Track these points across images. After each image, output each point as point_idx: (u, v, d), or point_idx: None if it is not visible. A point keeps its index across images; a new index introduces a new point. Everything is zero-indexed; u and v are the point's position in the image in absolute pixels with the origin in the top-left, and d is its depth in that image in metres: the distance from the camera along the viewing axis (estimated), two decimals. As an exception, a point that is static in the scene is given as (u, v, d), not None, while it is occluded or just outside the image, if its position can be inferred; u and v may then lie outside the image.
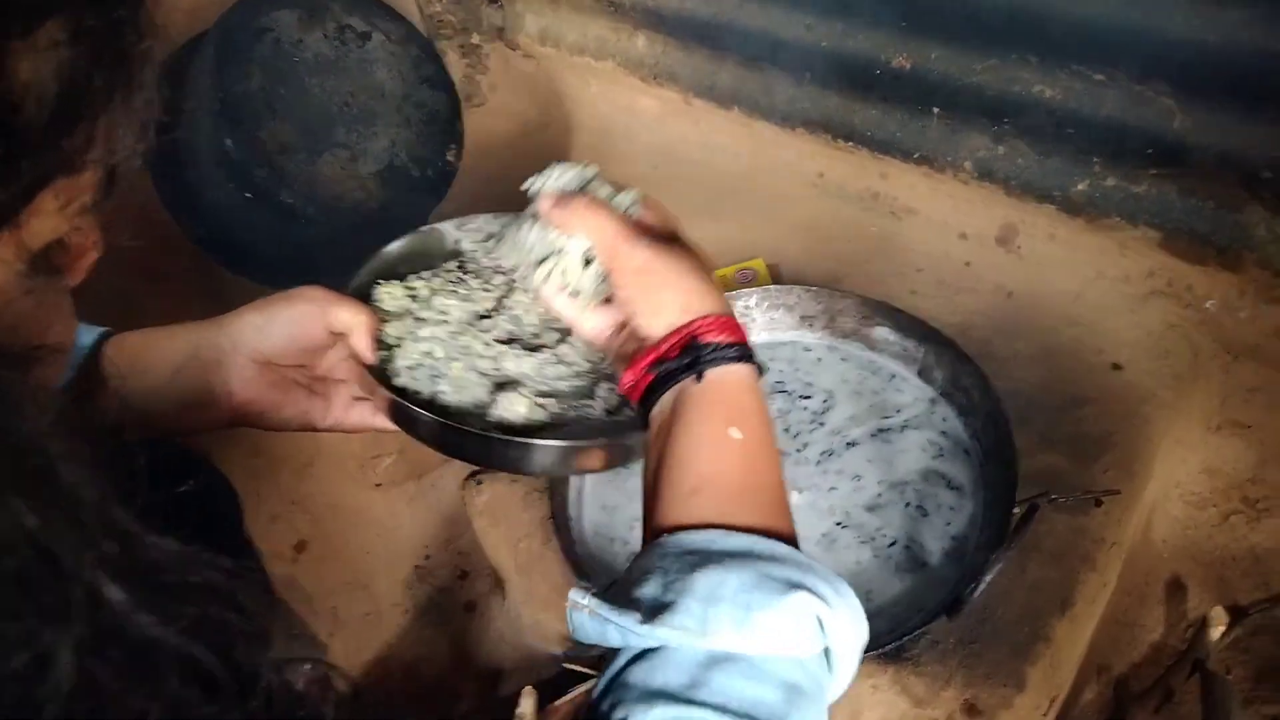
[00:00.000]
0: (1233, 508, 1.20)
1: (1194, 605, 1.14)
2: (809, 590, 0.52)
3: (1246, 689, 1.08)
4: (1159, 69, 1.07)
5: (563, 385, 0.78)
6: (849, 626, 0.54)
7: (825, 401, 1.13)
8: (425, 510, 1.48)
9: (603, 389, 0.78)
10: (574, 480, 1.08)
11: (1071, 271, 1.28)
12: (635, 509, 1.07)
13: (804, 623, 0.52)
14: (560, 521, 1.03)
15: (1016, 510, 0.95)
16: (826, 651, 0.55)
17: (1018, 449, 0.99)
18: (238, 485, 0.97)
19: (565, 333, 0.83)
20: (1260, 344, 1.15)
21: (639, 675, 0.52)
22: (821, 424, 1.11)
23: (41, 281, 0.45)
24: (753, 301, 1.20)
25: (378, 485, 1.49)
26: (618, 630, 0.53)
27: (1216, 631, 1.08)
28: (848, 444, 1.08)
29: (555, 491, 1.05)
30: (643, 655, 0.53)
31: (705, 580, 0.52)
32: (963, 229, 1.38)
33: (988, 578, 0.85)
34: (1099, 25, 1.08)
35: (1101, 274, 1.26)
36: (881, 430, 1.09)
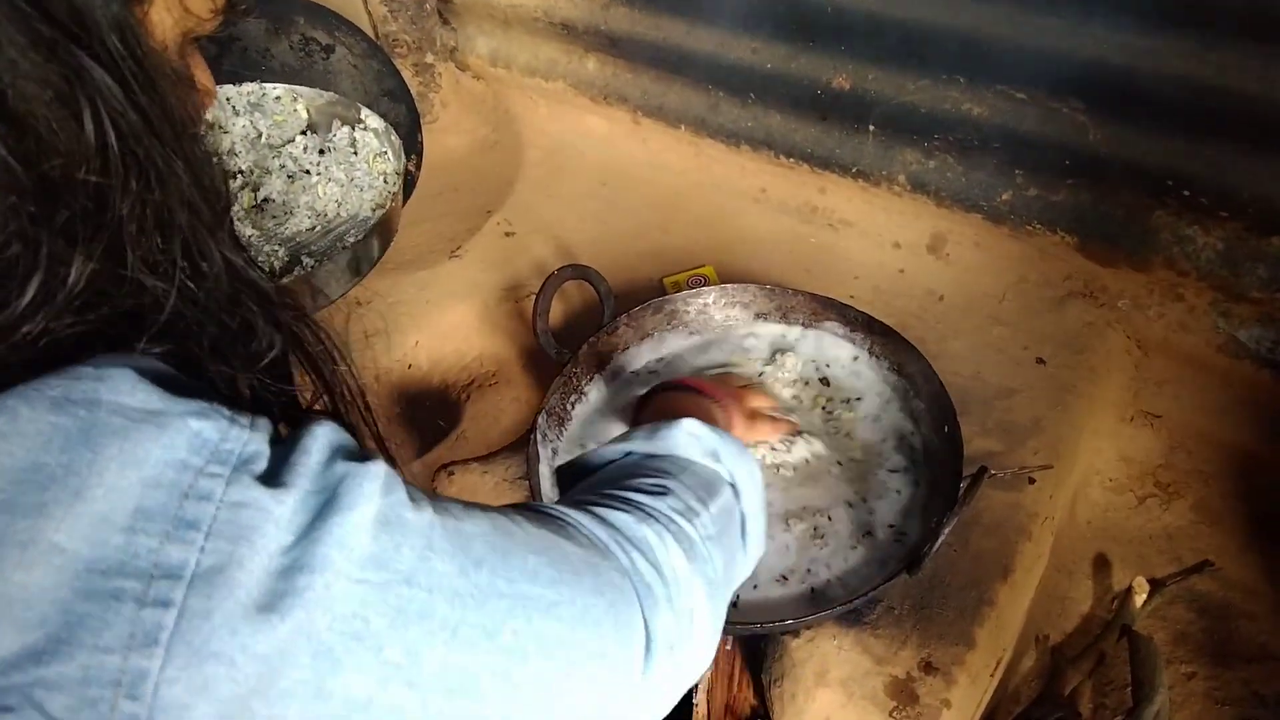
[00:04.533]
0: (1147, 491, 1.31)
1: (1118, 579, 1.24)
2: (697, 421, 0.73)
3: (1166, 651, 1.17)
4: (1073, 88, 1.18)
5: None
6: (735, 453, 0.73)
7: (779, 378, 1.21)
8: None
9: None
10: (546, 466, 1.13)
11: (997, 276, 1.39)
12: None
13: (694, 436, 0.72)
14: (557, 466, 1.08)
15: (963, 480, 1.03)
16: (734, 488, 0.72)
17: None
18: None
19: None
20: (1168, 338, 1.27)
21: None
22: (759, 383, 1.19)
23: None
24: (710, 299, 1.27)
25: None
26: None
27: (1140, 599, 1.18)
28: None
29: (532, 475, 1.10)
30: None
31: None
32: (896, 239, 1.48)
33: (943, 535, 0.93)
34: (1020, 48, 1.20)
35: (1024, 278, 1.38)
36: (834, 410, 1.17)
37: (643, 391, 0.98)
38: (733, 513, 0.71)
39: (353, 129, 1.00)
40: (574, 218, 1.66)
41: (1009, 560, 1.09)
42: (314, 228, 0.91)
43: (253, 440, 0.42)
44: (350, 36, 1.48)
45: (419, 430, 1.54)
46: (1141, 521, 1.31)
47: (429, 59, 1.75)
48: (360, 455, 0.46)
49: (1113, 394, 1.32)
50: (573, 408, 1.20)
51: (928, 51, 1.27)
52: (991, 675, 1.07)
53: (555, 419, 1.16)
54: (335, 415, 0.55)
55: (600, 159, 1.76)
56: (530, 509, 0.59)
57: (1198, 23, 1.05)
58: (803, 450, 1.12)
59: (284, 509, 0.41)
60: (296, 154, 0.97)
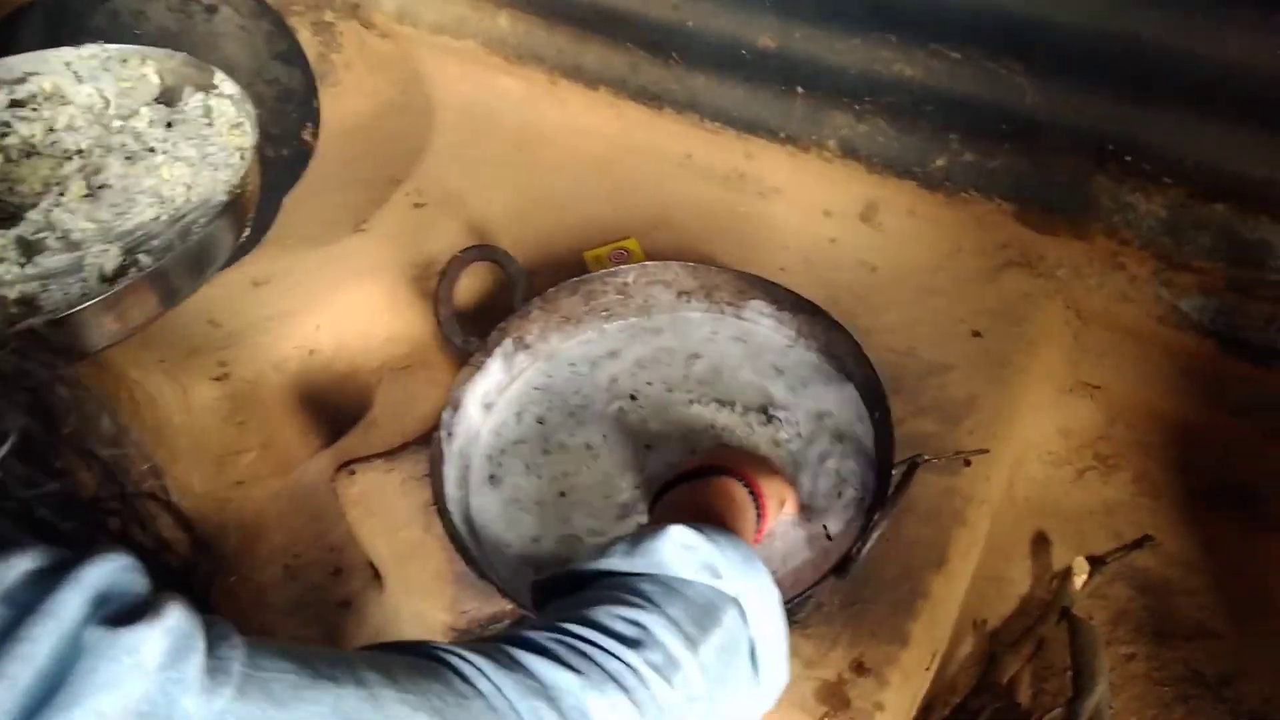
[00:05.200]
0: (1087, 464, 1.27)
1: (1057, 558, 1.20)
2: (688, 527, 0.60)
3: (1106, 632, 1.14)
4: (1010, 47, 1.12)
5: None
6: (739, 567, 0.60)
7: (707, 368, 1.14)
8: (292, 507, 1.41)
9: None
10: (453, 465, 1.05)
11: (931, 245, 1.33)
12: (522, 486, 1.05)
13: (684, 549, 0.59)
14: (442, 507, 0.99)
15: (895, 471, 0.97)
16: (740, 607, 0.59)
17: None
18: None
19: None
20: (1108, 308, 1.22)
21: None
22: (705, 392, 1.11)
23: None
24: (631, 278, 1.19)
25: (239, 483, 1.41)
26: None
27: (1079, 580, 1.15)
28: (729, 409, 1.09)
29: (435, 477, 1.02)
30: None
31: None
32: (827, 207, 1.41)
33: (874, 536, 0.87)
34: (954, 5, 1.12)
35: (959, 247, 1.31)
36: (761, 403, 1.10)
37: (666, 480, 0.84)
38: (738, 643, 0.59)
39: (207, 95, 0.89)
40: (488, 186, 1.56)
41: (944, 549, 1.04)
42: (159, 217, 0.80)
43: None
44: (237, -6, 1.36)
45: (326, 420, 1.45)
46: (1081, 496, 1.27)
47: (328, 17, 1.63)
48: (141, 607, 0.35)
49: (1051, 366, 1.27)
50: (484, 399, 1.12)
51: (855, 8, 1.19)
52: (926, 670, 1.02)
53: (463, 414, 1.08)
54: (123, 512, 0.43)
55: (516, 122, 1.66)
56: (420, 657, 0.46)
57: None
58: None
59: None
60: (140, 128, 0.86)
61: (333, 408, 1.47)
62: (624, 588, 0.57)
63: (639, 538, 0.61)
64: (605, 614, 0.53)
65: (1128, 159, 1.10)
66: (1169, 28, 0.99)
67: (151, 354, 1.37)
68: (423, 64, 1.73)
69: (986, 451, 1.08)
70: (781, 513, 0.92)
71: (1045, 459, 1.29)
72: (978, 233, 1.29)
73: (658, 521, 0.74)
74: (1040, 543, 1.23)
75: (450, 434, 1.06)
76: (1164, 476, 1.25)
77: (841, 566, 0.88)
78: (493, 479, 1.07)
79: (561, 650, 0.50)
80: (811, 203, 1.41)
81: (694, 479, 0.81)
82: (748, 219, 1.45)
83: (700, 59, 1.37)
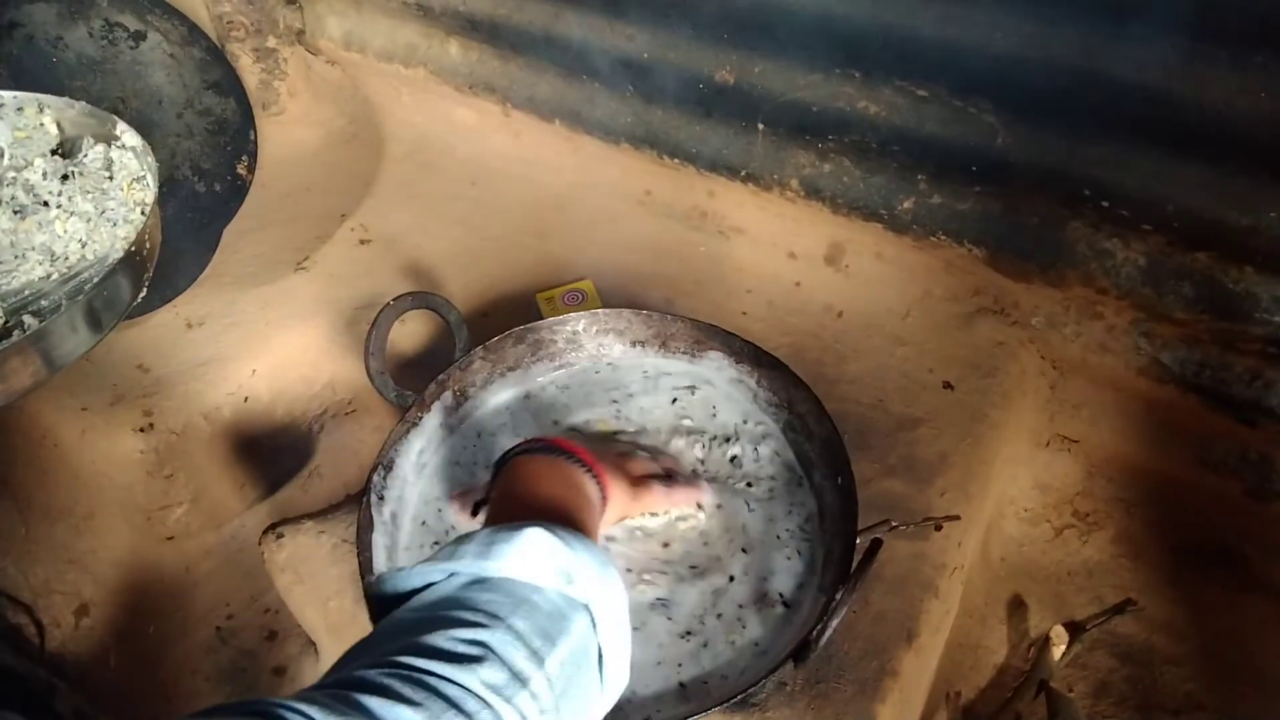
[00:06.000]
0: (1065, 522, 1.21)
1: (1034, 623, 1.14)
2: (544, 529, 0.59)
3: (1087, 705, 1.07)
4: (981, 86, 1.05)
5: None
6: (592, 571, 0.59)
7: (655, 427, 1.06)
8: (225, 565, 1.32)
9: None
10: (384, 532, 0.97)
11: (899, 290, 1.26)
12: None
13: (536, 552, 0.58)
14: (368, 582, 0.91)
15: (860, 539, 0.90)
16: (590, 613, 0.59)
17: (855, 477, 0.95)
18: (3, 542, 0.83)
19: None
20: (1085, 359, 1.15)
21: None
22: (656, 449, 1.04)
23: None
24: (581, 326, 1.12)
25: (169, 538, 1.33)
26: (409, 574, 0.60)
27: (1058, 651, 1.08)
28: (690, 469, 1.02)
29: (362, 546, 0.93)
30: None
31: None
32: (791, 248, 1.34)
33: (835, 622, 0.80)
34: (920, 41, 1.06)
35: (929, 292, 1.25)
36: (717, 456, 1.03)
37: (502, 452, 0.81)
38: (587, 650, 0.58)
39: (108, 147, 0.81)
40: (439, 222, 1.49)
41: (913, 622, 0.97)
42: (50, 275, 0.72)
43: None
44: (166, 20, 1.28)
45: (263, 470, 1.37)
46: (1059, 556, 1.20)
47: (270, 43, 1.55)
48: None
49: (1027, 418, 1.21)
50: (420, 458, 1.04)
51: (816, 42, 1.12)
52: (896, 753, 0.95)
53: (396, 476, 1.00)
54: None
55: (470, 155, 1.58)
56: (254, 717, 0.43)
57: (1118, 17, 0.92)
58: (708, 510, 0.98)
59: None
60: (34, 180, 0.78)
61: (270, 457, 1.39)
62: (466, 603, 0.55)
63: (493, 538, 0.59)
64: (443, 638, 0.52)
65: (1105, 204, 1.04)
66: (1146, 68, 0.93)
67: (75, 400, 1.29)
68: (373, 92, 1.66)
69: (958, 518, 1.01)
70: (651, 501, 0.91)
71: (1021, 516, 1.22)
72: (948, 278, 1.22)
73: (502, 499, 0.76)
74: (1017, 606, 1.16)
75: (381, 498, 0.98)
76: (1145, 535, 1.19)
77: (801, 651, 0.81)
78: (430, 545, 0.98)
79: (397, 684, 0.48)
80: (775, 244, 1.34)
81: (534, 452, 0.79)
82: (709, 260, 1.38)
83: (657, 92, 1.30)
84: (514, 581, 0.57)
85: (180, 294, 1.37)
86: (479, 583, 0.58)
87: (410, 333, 1.29)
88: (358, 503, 1.08)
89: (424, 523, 1.00)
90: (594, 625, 0.59)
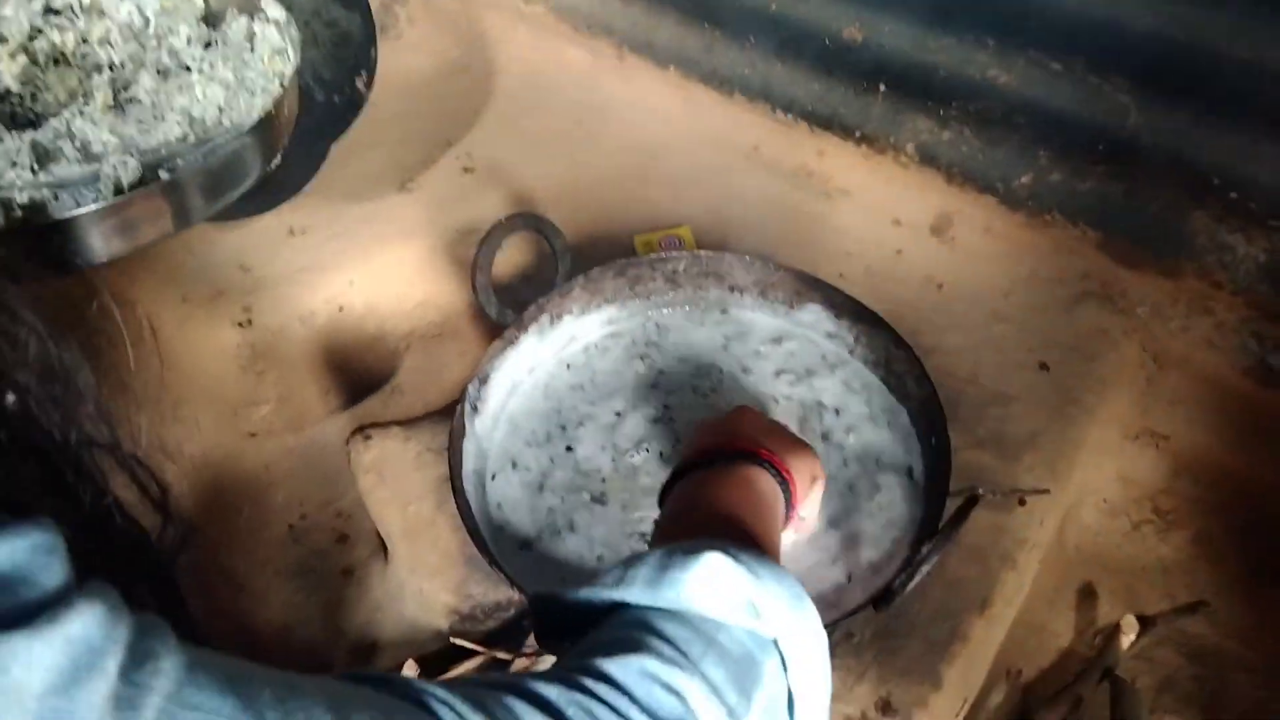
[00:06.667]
0: (1144, 517, 1.19)
1: (1103, 613, 1.12)
2: (724, 554, 0.51)
3: (1150, 699, 1.06)
4: (1119, 63, 1.04)
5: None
6: (783, 603, 0.52)
7: (752, 370, 1.06)
8: (303, 467, 1.35)
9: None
10: (473, 442, 0.99)
11: (1005, 267, 1.25)
12: (540, 469, 0.99)
13: (718, 582, 0.50)
14: (458, 485, 0.93)
15: (949, 502, 0.90)
16: (779, 652, 0.52)
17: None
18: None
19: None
20: (1189, 354, 1.13)
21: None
22: (742, 394, 1.04)
23: None
24: (680, 266, 1.13)
25: (252, 435, 1.36)
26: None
27: (1127, 640, 1.06)
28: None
29: (454, 451, 0.95)
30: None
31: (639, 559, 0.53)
32: (897, 215, 1.33)
33: (924, 570, 0.80)
34: (1063, 12, 1.04)
35: (1035, 272, 1.23)
36: (811, 410, 1.03)
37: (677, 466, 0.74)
38: (778, 701, 0.50)
39: (251, 19, 0.83)
40: (542, 158, 1.50)
41: (988, 591, 0.96)
42: (186, 137, 0.74)
43: None
44: (304, -72, 1.30)
45: (348, 381, 1.39)
46: (1135, 550, 1.18)
47: (397, -34, 1.57)
48: (40, 605, 0.27)
49: (1120, 409, 1.19)
50: (513, 376, 1.05)
51: (954, 5, 1.11)
52: (956, 716, 0.95)
53: (490, 390, 1.02)
54: (70, 464, 0.35)
55: (578, 96, 1.59)
56: (403, 699, 0.38)
57: (1273, 2, 0.89)
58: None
59: None
60: (178, 46, 0.80)
61: (356, 369, 1.41)
62: (648, 628, 0.48)
63: (665, 563, 0.51)
64: (635, 673, 0.44)
65: (1233, 195, 1.02)
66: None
67: (174, 290, 1.32)
68: (488, 27, 1.67)
69: (1047, 492, 1.00)
70: (812, 492, 0.80)
71: (1101, 507, 1.21)
72: (1056, 259, 1.20)
73: (672, 522, 0.68)
74: (1087, 595, 1.14)
75: (475, 408, 1.00)
76: (1226, 539, 1.17)
77: (883, 599, 0.81)
78: (514, 462, 1.00)
79: (575, 713, 0.41)
80: (881, 209, 1.33)
81: (712, 464, 0.71)
82: (811, 220, 1.37)
83: (780, 45, 1.30)
84: (694, 616, 0.50)
85: (286, 201, 1.40)
86: (657, 616, 0.49)
87: (505, 259, 1.31)
88: (444, 416, 1.10)
89: (508, 439, 1.02)
90: (784, 666, 0.51)
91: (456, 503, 0.92)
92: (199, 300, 1.31)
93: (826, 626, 0.81)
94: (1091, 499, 1.20)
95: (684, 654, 0.46)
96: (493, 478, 0.99)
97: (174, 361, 1.34)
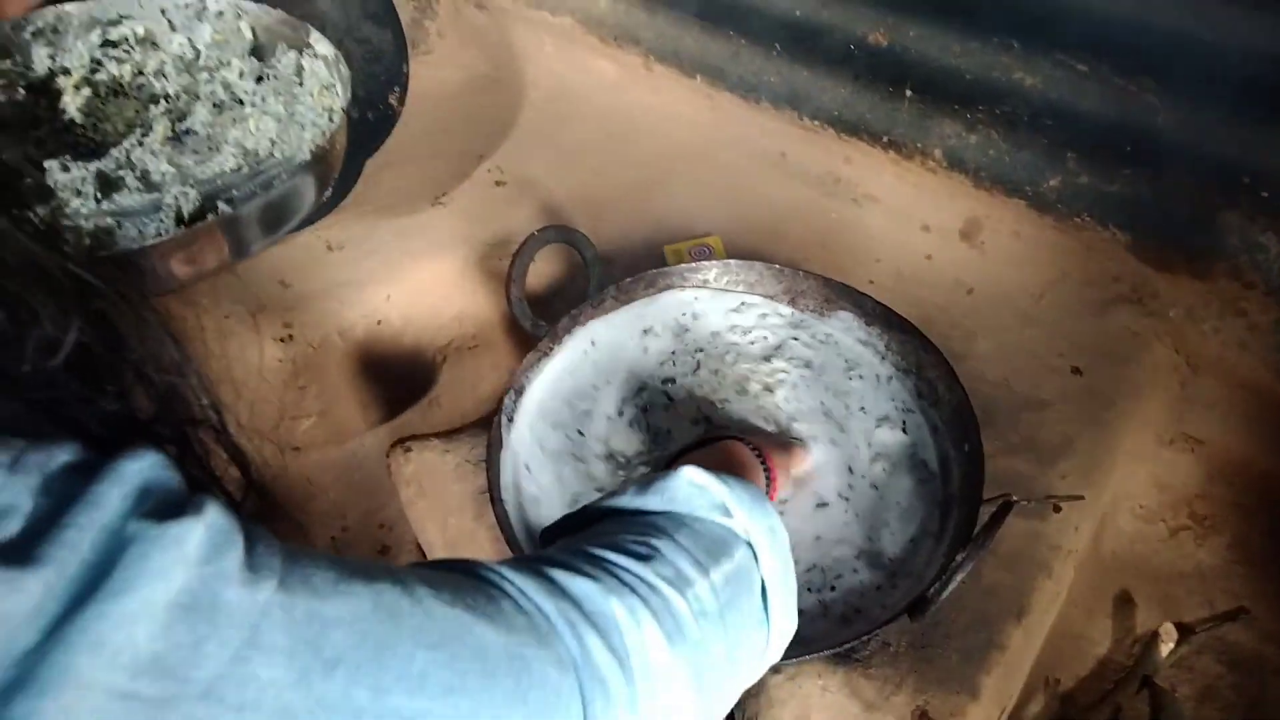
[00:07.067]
0: (1181, 523, 1.18)
1: (1141, 620, 1.12)
2: (699, 469, 0.60)
3: (1190, 708, 1.05)
4: (1146, 64, 1.03)
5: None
6: (748, 504, 0.60)
7: (783, 376, 1.07)
8: (344, 479, 1.38)
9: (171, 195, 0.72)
10: (510, 453, 1.00)
11: (1035, 271, 1.25)
12: (576, 485, 1.00)
13: (694, 487, 0.60)
14: (496, 496, 0.94)
15: (983, 509, 0.90)
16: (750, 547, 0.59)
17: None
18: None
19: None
20: (1222, 357, 1.12)
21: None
22: (777, 400, 1.05)
23: None
24: (711, 275, 1.13)
25: (296, 448, 1.39)
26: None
27: (1165, 648, 1.06)
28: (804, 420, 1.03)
29: (491, 464, 0.97)
30: None
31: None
32: (926, 220, 1.33)
33: (959, 577, 0.80)
34: (1088, 13, 1.04)
35: (1066, 275, 1.23)
36: (840, 416, 1.03)
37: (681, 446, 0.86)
38: (749, 579, 0.58)
39: (300, 54, 0.86)
40: (573, 170, 1.51)
41: (1025, 599, 0.96)
42: (240, 168, 0.76)
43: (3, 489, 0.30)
44: (335, -50, 1.33)
45: (387, 394, 1.42)
46: (1172, 557, 1.18)
47: (426, -18, 1.60)
48: (180, 503, 0.34)
49: (1154, 413, 1.18)
50: (547, 387, 1.06)
51: (979, 8, 1.11)
52: (993, 726, 0.95)
53: (526, 401, 1.03)
54: (178, 440, 0.42)
55: (607, 106, 1.60)
56: (454, 571, 0.46)
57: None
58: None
59: (23, 599, 0.29)
60: (231, 79, 0.83)
61: (394, 381, 1.44)
62: (634, 522, 0.58)
63: (650, 479, 0.61)
64: (617, 538, 0.55)
65: (1264, 194, 1.01)
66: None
67: (218, 307, 1.35)
68: (517, 39, 1.69)
69: (1081, 498, 1.00)
70: (794, 478, 0.94)
71: (1137, 513, 1.20)
72: (1087, 262, 1.20)
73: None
74: (1124, 603, 1.14)
75: (511, 420, 1.01)
76: (1264, 544, 1.16)
77: (918, 607, 0.82)
78: (550, 472, 1.01)
79: (579, 562, 0.51)
80: (910, 214, 1.33)
81: (703, 446, 0.84)
82: (839, 226, 1.38)
83: (805, 52, 1.30)
84: (673, 512, 0.59)
85: (323, 217, 1.43)
86: (641, 514, 0.60)
87: (537, 271, 1.32)
88: (481, 427, 1.12)
89: (544, 449, 1.03)
90: (755, 559, 0.59)
91: (495, 514, 0.93)
92: (241, 316, 1.34)
93: (862, 637, 0.83)
94: (1127, 505, 1.19)
95: (660, 530, 0.56)
96: (527, 488, 1.00)
97: (217, 377, 1.36)
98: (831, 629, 0.88)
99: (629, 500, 0.61)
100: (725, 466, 0.75)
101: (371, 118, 1.38)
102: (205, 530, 0.34)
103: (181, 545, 0.33)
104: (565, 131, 1.60)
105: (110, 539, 0.32)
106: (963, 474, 0.94)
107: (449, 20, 1.69)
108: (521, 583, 0.46)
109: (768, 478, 0.83)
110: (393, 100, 1.37)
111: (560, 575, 0.48)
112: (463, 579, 0.45)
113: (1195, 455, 1.20)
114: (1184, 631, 1.08)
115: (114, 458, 0.34)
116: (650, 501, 0.60)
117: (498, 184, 1.50)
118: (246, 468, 0.47)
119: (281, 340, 1.32)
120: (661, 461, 0.92)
